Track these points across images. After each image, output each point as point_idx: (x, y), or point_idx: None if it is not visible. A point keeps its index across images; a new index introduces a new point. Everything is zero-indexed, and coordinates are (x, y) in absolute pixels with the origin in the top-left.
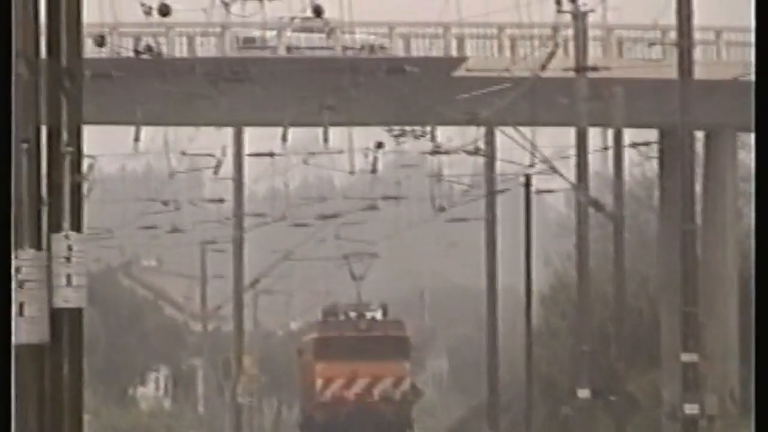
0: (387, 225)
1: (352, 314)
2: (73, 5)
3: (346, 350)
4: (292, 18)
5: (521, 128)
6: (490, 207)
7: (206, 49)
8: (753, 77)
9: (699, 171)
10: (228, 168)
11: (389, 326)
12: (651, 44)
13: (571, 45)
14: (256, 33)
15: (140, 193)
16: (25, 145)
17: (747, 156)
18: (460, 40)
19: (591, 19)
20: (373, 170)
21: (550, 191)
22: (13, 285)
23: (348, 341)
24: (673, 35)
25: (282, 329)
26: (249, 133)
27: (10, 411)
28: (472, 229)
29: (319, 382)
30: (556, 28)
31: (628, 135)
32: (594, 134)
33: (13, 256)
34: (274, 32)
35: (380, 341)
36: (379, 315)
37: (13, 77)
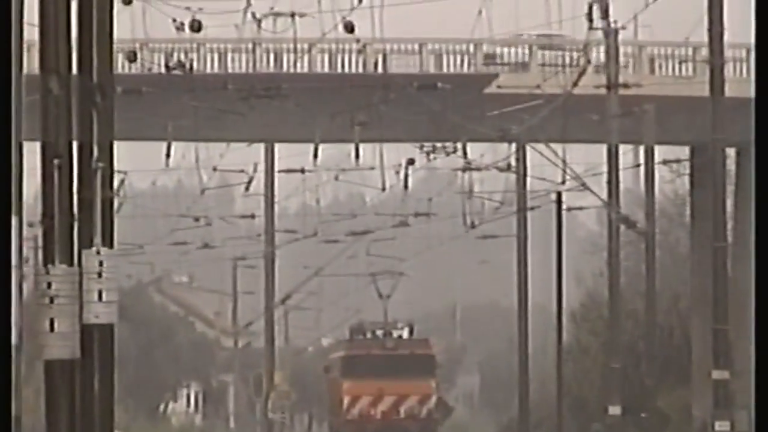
0: (418, 242)
1: (379, 332)
2: (105, 21)
3: (373, 368)
4: (323, 34)
5: (552, 145)
6: (521, 224)
7: (237, 64)
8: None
9: (730, 188)
10: (259, 184)
11: (415, 345)
12: (682, 61)
13: (602, 61)
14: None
15: (171, 208)
16: (56, 161)
17: None
18: (491, 57)
19: (622, 36)
20: (405, 186)
21: (581, 208)
22: (45, 300)
23: (375, 359)
24: (704, 52)
25: (313, 345)
26: (280, 149)
27: (11, 411)
28: (503, 246)
29: (346, 400)
30: (587, 45)
31: (660, 152)
32: (625, 151)
33: (44, 272)
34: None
35: (407, 359)
36: (405, 333)
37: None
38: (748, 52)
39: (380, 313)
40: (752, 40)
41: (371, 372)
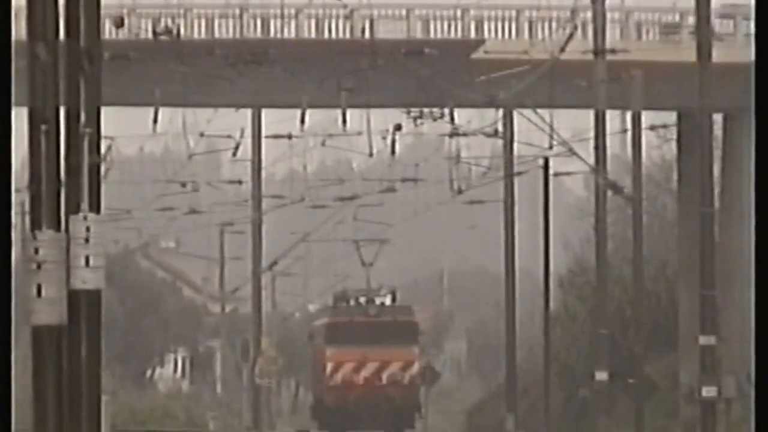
0: (405, 207)
1: (362, 300)
2: None
3: (356, 335)
4: (310, 0)
5: (540, 110)
6: (509, 189)
7: (225, 30)
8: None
9: (717, 154)
10: (246, 150)
11: (398, 312)
12: (669, 27)
13: (590, 27)
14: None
15: (158, 174)
16: (43, 127)
17: None
18: (479, 23)
19: (609, 1)
20: (392, 152)
21: (568, 174)
22: (32, 267)
23: (358, 327)
24: (691, 19)
25: (300, 311)
26: (267, 114)
27: (11, 410)
28: (490, 212)
29: (329, 367)
30: (574, 11)
31: (647, 117)
32: (612, 117)
33: (31, 237)
34: None
35: (389, 327)
36: (388, 300)
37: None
38: (735, 17)
39: (364, 276)
40: (744, 2)
41: (354, 339)
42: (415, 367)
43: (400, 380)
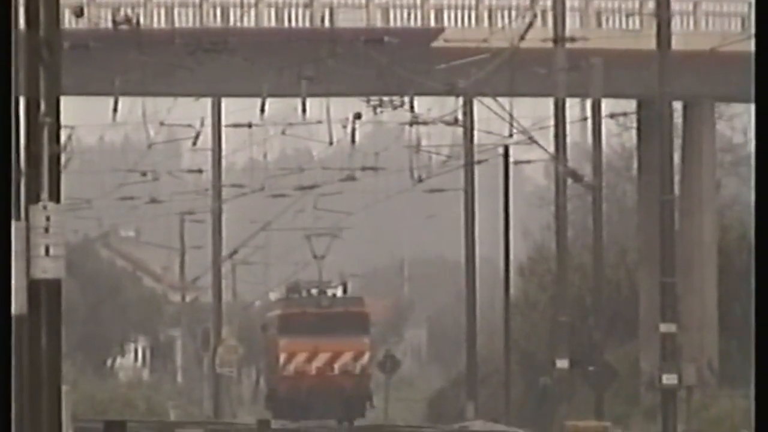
0: (365, 196)
1: (314, 291)
2: None
3: (308, 326)
4: None
5: (499, 99)
6: (469, 178)
7: (184, 19)
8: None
9: (677, 142)
10: (206, 139)
11: (349, 303)
12: (629, 15)
13: (549, 15)
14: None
15: (118, 163)
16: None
17: (725, 127)
18: (439, 11)
19: None
20: (352, 141)
21: (528, 162)
22: None
23: (310, 318)
24: (651, 6)
25: (260, 300)
26: (227, 103)
27: (11, 410)
28: (450, 200)
29: (282, 357)
30: None
31: (607, 106)
32: (572, 105)
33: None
34: None
35: (341, 318)
36: (339, 292)
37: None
38: (695, 5)
39: (328, 267)
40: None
41: (306, 330)
42: (366, 357)
43: (351, 370)
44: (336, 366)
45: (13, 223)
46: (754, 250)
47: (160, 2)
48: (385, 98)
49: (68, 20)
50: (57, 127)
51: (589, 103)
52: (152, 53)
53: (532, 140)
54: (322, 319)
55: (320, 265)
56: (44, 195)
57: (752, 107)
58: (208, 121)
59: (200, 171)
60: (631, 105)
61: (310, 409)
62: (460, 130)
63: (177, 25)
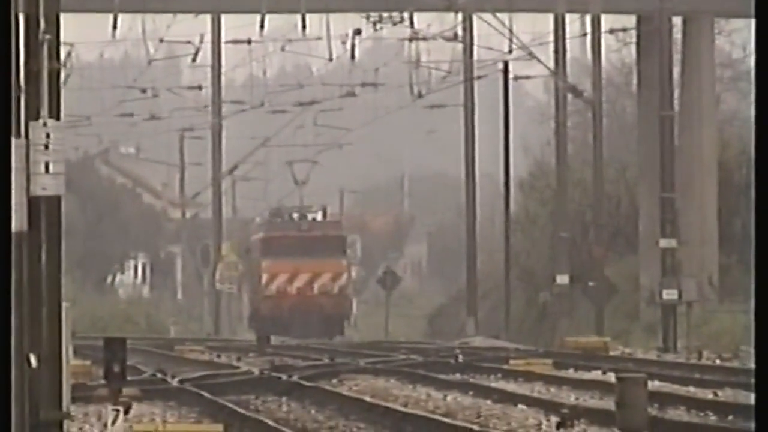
0: (365, 112)
1: (295, 215)
2: None
3: (289, 249)
4: None
5: (499, 14)
6: (468, 93)
7: None
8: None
9: (676, 57)
10: (206, 55)
11: (328, 227)
12: None
13: None
14: None
15: (118, 80)
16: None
17: (724, 41)
18: None
19: None
20: (351, 57)
21: (528, 77)
22: None
23: (290, 241)
24: None
25: (260, 216)
26: (226, 20)
27: (11, 409)
28: (450, 116)
29: (264, 277)
30: None
31: (606, 21)
32: (572, 20)
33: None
34: None
35: (320, 240)
36: (319, 216)
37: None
38: None
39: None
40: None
41: (287, 252)
42: (344, 278)
43: (330, 290)
44: (315, 286)
45: (13, 141)
46: (754, 250)
47: None
48: (385, 14)
49: None
50: (57, 44)
51: (588, 18)
52: None
53: (531, 56)
54: (302, 242)
55: (301, 191)
56: (44, 112)
57: (752, 22)
58: (208, 38)
59: (200, 87)
60: (630, 20)
61: (290, 327)
62: (459, 46)
63: None
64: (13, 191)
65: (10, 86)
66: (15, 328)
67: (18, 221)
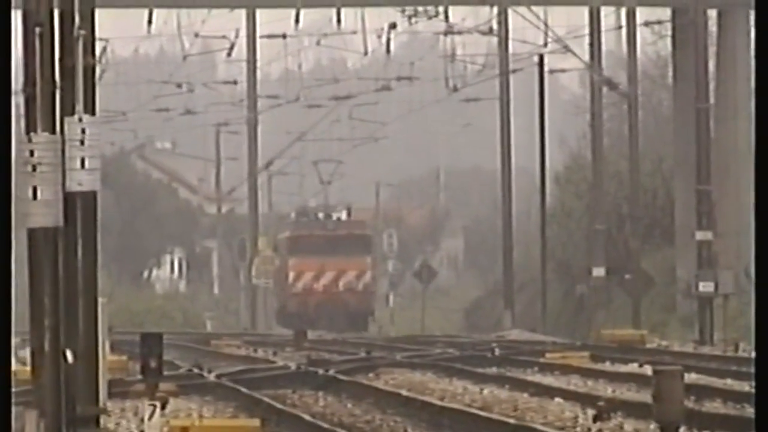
0: (401, 105)
1: (321, 215)
2: None
3: (315, 247)
4: None
5: (534, 8)
6: (504, 87)
7: None
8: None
9: (712, 49)
10: (241, 50)
11: (353, 225)
12: None
13: None
14: None
15: (153, 75)
16: (38, 29)
17: None
18: None
19: None
20: (387, 51)
21: (563, 71)
22: (29, 169)
23: (316, 239)
24: None
25: (296, 211)
26: (261, 14)
27: (11, 409)
28: (486, 109)
29: (291, 275)
30: None
31: (641, 14)
32: (607, 13)
33: (26, 140)
34: None
35: (345, 239)
36: (344, 216)
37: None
38: None
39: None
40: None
41: (313, 250)
42: (368, 275)
43: (354, 287)
44: (340, 283)
45: (47, 136)
46: (754, 249)
47: None
48: (420, 8)
49: None
50: (92, 39)
51: (624, 11)
52: None
53: (567, 49)
54: (327, 241)
55: (327, 191)
56: (79, 107)
57: None
58: (243, 32)
59: (235, 82)
60: (665, 13)
61: (316, 323)
62: (494, 40)
63: None
64: (39, 188)
65: (10, 86)
66: (51, 325)
67: (54, 217)
